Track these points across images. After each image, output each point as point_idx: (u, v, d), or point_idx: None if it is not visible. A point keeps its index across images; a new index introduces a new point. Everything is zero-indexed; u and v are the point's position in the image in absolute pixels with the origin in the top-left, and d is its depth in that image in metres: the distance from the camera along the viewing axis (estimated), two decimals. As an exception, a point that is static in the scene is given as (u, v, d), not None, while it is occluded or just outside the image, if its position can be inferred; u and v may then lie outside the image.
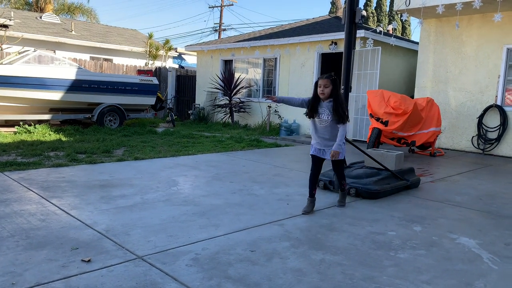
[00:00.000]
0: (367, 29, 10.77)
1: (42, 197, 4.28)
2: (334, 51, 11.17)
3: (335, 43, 11.05)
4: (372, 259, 3.01)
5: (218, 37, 29.18)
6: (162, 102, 13.03)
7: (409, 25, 32.50)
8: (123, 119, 11.21)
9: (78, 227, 3.46)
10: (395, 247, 3.27)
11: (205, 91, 14.50)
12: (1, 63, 10.11)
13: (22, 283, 2.44)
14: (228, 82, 13.26)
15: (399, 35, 25.31)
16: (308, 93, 11.68)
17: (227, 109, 13.35)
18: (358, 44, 10.28)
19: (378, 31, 10.26)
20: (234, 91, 13.19)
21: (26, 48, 11.57)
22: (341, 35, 10.53)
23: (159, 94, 12.50)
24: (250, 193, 4.85)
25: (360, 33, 10.17)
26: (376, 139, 7.54)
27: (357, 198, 4.77)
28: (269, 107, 12.17)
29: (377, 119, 7.63)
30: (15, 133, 9.02)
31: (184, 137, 9.97)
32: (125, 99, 11.25)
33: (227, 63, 14.37)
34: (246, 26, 67.52)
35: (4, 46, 13.38)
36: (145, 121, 13.10)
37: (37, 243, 3.06)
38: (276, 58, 12.62)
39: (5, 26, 14.18)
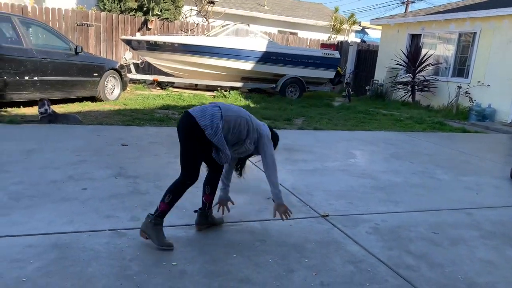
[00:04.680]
0: None
1: (238, 152, 4.95)
2: (555, 25, 9.23)
3: (559, 15, 9.10)
4: None
5: (405, 10, 27.23)
6: (341, 76, 13.08)
7: None
8: (303, 91, 11.74)
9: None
10: None
11: (385, 67, 13.92)
12: (208, 35, 11.73)
13: (228, 218, 2.95)
14: (413, 58, 12.40)
15: None
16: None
17: (408, 87, 12.57)
18: None
19: None
20: (419, 68, 12.27)
21: (227, 22, 13.08)
22: None
23: (338, 68, 12.59)
24: (432, 176, 4.60)
25: None
26: None
27: None
28: (459, 87, 10.95)
29: None
30: (214, 96, 10.48)
31: (360, 112, 9.90)
32: (306, 71, 11.72)
33: (414, 38, 13.39)
34: (438, -3, 60.70)
35: (210, 20, 15.41)
36: (322, 94, 13.43)
37: (238, 188, 3.59)
38: (475, 33, 11.14)
39: (212, 2, 16.24)
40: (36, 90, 6.64)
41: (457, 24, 11.46)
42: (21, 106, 6.64)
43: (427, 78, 12.27)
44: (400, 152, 5.73)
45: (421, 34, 13.00)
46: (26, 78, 6.43)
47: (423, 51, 12.44)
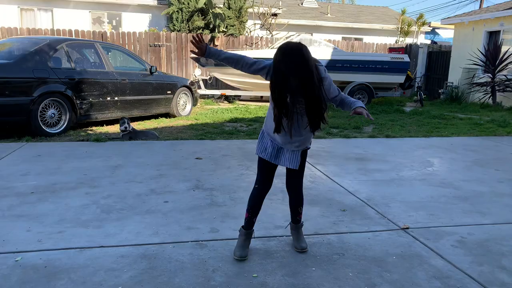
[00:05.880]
0: None
1: (308, 163, 4.93)
2: None
3: None
4: None
5: (479, 7, 25.50)
6: (411, 80, 12.54)
7: None
8: (371, 97, 11.42)
9: (341, 192, 3.86)
10: None
11: (460, 68, 13.10)
12: (272, 47, 11.89)
13: (303, 230, 2.94)
14: (492, 56, 11.55)
15: None
16: None
17: (487, 88, 11.70)
18: None
19: None
20: (499, 67, 11.39)
21: (290, 33, 13.18)
22: None
23: (408, 72, 12.08)
24: (523, 184, 4.22)
25: None
26: None
27: None
28: (548, 86, 9.98)
29: None
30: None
31: (434, 117, 9.40)
32: (374, 77, 11.41)
33: (492, 35, 12.49)
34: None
35: (273, 33, 15.63)
36: (391, 99, 12.96)
37: (310, 200, 3.59)
38: None
39: (275, 15, 16.47)
40: (117, 109, 7.18)
41: (543, 16, 10.50)
42: (104, 125, 7.21)
43: (509, 77, 11.35)
44: (483, 159, 5.34)
45: (500, 31, 12.11)
46: (108, 98, 6.99)
47: (503, 49, 11.55)
